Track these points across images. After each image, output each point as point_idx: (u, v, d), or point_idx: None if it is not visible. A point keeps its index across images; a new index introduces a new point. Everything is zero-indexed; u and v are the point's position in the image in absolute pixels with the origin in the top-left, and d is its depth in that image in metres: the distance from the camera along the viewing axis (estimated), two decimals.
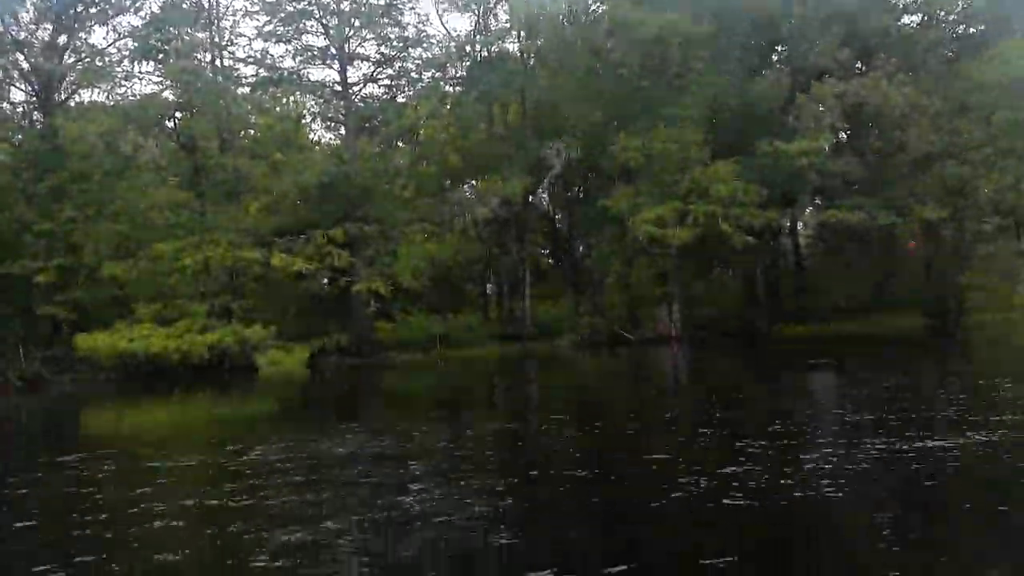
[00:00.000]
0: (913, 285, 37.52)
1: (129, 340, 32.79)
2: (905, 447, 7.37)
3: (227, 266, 35.08)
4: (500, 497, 6.69)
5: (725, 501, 6.07)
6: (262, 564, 5.36)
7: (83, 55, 38.53)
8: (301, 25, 37.65)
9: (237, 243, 34.43)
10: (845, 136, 37.31)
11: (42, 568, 5.52)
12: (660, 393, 16.46)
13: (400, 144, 41.34)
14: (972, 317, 34.19)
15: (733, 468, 7.02)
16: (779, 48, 38.97)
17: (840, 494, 6.17)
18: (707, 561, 4.85)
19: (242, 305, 36.18)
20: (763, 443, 8.25)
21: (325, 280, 40.08)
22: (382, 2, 38.02)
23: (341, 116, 39.70)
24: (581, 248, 42.45)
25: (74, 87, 39.08)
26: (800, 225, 41.32)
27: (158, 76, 37.40)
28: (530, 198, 40.25)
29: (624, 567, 4.74)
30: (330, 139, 44.51)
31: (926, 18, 38.17)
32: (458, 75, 41.55)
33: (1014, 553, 4.45)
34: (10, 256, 34.44)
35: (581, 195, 41.61)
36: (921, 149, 33.41)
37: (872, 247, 36.51)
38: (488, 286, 42.51)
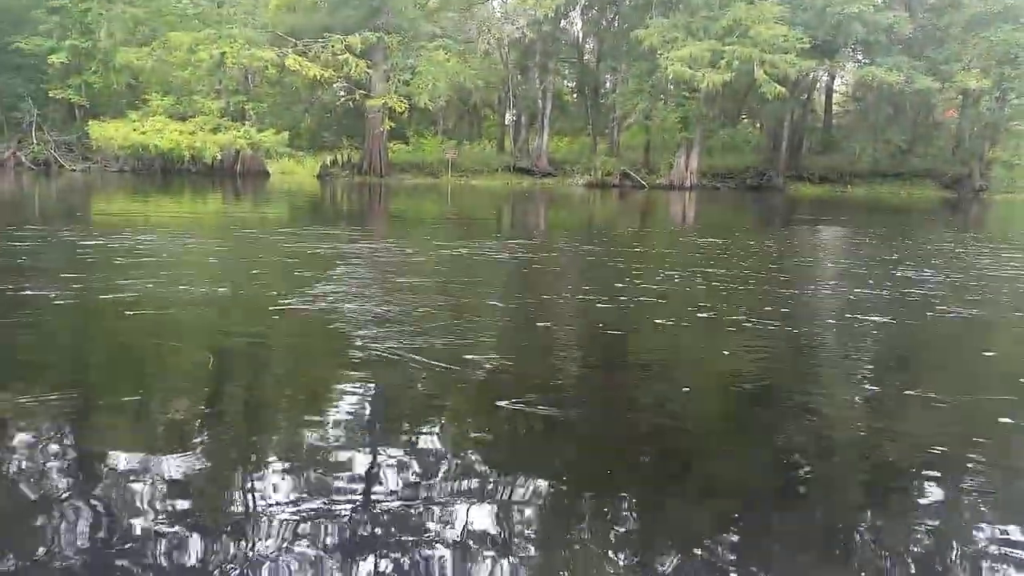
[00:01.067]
0: (939, 156, 36.66)
1: (141, 132, 32.69)
2: (879, 292, 7.55)
3: (242, 65, 34.30)
4: (485, 296, 6.90)
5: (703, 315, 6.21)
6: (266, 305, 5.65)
7: None
8: None
9: (253, 41, 33.44)
10: None
11: (60, 302, 5.84)
12: (663, 230, 16.53)
13: None
14: (992, 196, 33.66)
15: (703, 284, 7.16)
16: None
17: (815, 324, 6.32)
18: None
19: (256, 108, 35.75)
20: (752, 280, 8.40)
21: (341, 93, 39.20)
22: None
23: None
24: (607, 83, 41.04)
25: None
26: (836, 81, 39.74)
27: None
28: (561, 22, 38.49)
29: (598, 374, 4.92)
30: None
31: None
32: None
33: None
34: (22, 32, 33.61)
35: (615, 23, 39.60)
36: (976, 6, 31.51)
37: (905, 113, 35.29)
38: (508, 115, 41.53)
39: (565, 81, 43.52)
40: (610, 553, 2.56)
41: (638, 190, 34.89)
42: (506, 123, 41.45)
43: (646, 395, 4.11)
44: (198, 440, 3.27)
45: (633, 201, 27.90)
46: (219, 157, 33.84)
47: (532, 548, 2.58)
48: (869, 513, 2.91)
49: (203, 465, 3.04)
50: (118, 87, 35.28)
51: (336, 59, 33.78)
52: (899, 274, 8.72)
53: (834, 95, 41.24)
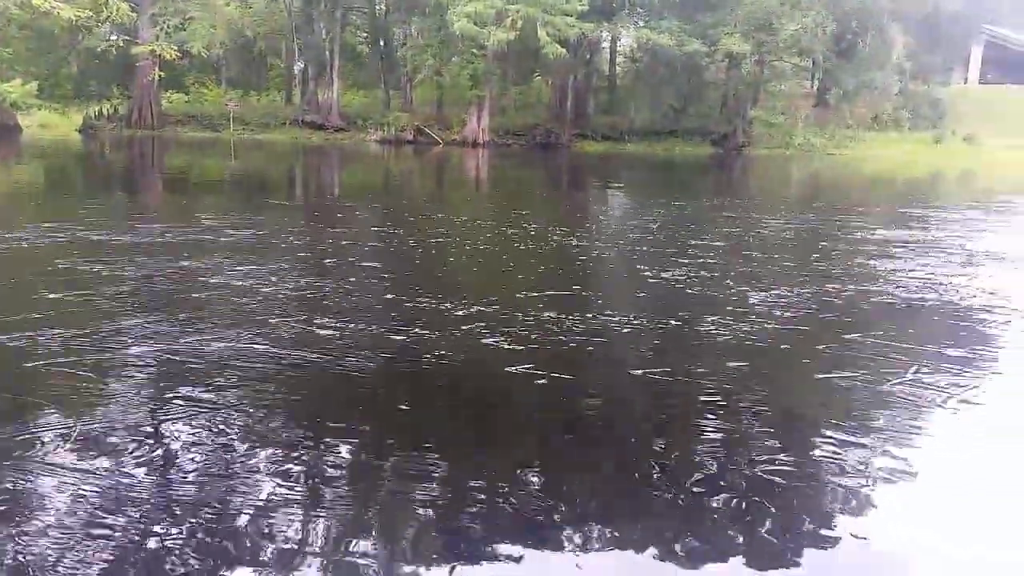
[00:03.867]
0: (708, 115, 39.45)
1: None
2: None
3: None
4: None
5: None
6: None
7: None
8: None
9: None
10: None
11: None
12: (453, 190, 16.70)
13: None
14: (753, 151, 36.82)
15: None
16: None
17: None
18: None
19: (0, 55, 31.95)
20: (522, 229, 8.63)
21: (112, 36, 35.82)
22: None
23: None
24: (399, 37, 40.34)
25: None
26: (620, 44, 41.49)
27: None
28: None
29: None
30: None
31: None
32: None
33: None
34: None
35: None
36: None
37: (678, 74, 37.52)
38: (296, 66, 39.79)
39: (358, 32, 42.28)
40: (416, 503, 2.68)
41: (433, 146, 34.85)
42: (294, 74, 39.75)
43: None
44: None
45: (431, 159, 27.91)
46: None
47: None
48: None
49: None
50: None
51: (95, 0, 30.82)
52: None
53: (618, 57, 43.05)
